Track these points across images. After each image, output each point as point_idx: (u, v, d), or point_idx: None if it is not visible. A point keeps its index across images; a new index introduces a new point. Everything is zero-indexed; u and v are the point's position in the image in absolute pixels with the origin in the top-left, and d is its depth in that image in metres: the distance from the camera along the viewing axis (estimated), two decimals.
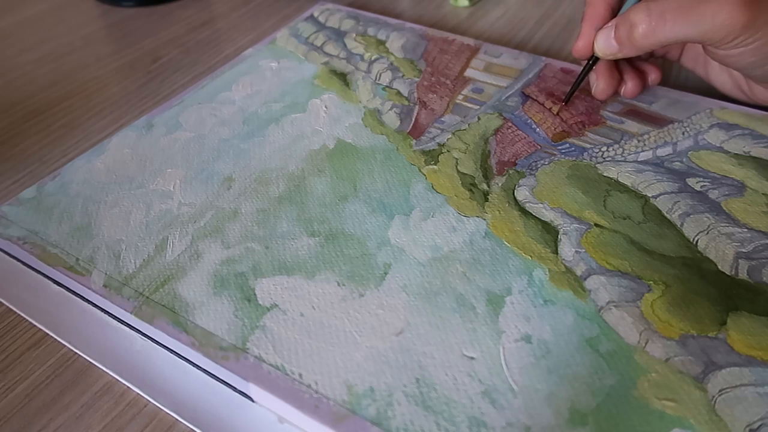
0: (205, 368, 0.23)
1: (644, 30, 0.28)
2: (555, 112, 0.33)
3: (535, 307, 0.23)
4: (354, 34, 0.41)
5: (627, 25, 0.29)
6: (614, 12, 0.32)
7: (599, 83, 0.32)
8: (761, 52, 0.27)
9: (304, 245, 0.26)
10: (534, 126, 0.32)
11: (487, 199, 0.28)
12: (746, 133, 0.31)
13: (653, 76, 0.33)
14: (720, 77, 0.33)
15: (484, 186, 0.29)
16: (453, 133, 0.32)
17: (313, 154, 0.31)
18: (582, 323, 0.23)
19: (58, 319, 0.25)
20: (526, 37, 0.43)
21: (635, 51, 0.30)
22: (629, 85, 0.33)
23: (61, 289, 0.26)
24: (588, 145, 0.31)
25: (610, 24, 0.30)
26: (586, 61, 0.33)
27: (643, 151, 0.30)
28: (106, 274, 0.25)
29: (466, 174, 0.29)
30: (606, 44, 0.30)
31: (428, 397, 0.20)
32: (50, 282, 0.26)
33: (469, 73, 0.37)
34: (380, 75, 0.37)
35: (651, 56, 0.35)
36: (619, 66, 0.33)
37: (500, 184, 0.29)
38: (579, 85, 0.33)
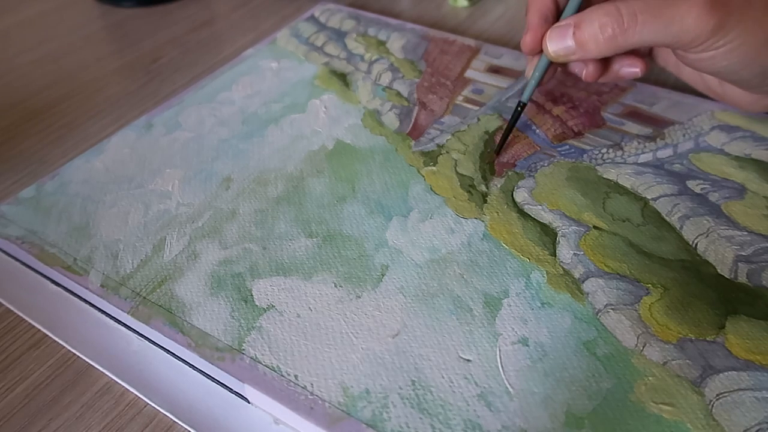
0: (200, 369, 0.23)
1: (614, 32, 0.25)
2: (488, 162, 0.30)
3: (533, 310, 0.23)
4: (355, 35, 0.41)
5: (593, 26, 0.26)
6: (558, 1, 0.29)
7: (589, 66, 0.29)
8: (733, 56, 0.25)
9: (301, 246, 0.26)
10: (534, 127, 0.32)
11: (485, 201, 0.28)
12: (747, 136, 0.31)
13: (635, 69, 0.30)
14: (692, 75, 0.31)
15: (483, 187, 0.29)
16: (452, 134, 0.32)
17: (312, 155, 0.31)
18: (579, 326, 0.22)
19: (55, 318, 0.25)
20: None
21: (597, 54, 0.27)
22: (590, 68, 0.29)
23: (59, 288, 0.26)
24: (588, 147, 0.31)
25: (565, 22, 0.27)
26: (515, 108, 0.30)
27: (643, 152, 0.30)
28: (103, 274, 0.25)
29: (464, 175, 0.29)
30: (561, 45, 0.27)
31: (424, 399, 0.20)
32: (48, 281, 0.26)
33: (469, 74, 0.36)
34: (380, 76, 0.36)
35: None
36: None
37: (499, 186, 0.29)
38: (509, 133, 0.30)
